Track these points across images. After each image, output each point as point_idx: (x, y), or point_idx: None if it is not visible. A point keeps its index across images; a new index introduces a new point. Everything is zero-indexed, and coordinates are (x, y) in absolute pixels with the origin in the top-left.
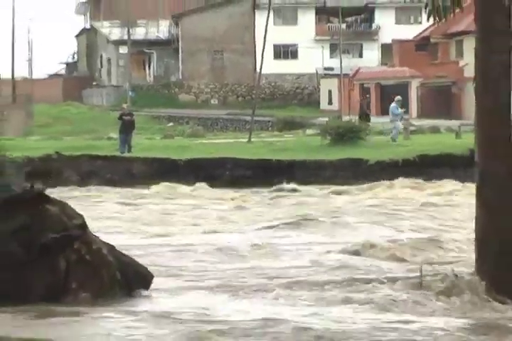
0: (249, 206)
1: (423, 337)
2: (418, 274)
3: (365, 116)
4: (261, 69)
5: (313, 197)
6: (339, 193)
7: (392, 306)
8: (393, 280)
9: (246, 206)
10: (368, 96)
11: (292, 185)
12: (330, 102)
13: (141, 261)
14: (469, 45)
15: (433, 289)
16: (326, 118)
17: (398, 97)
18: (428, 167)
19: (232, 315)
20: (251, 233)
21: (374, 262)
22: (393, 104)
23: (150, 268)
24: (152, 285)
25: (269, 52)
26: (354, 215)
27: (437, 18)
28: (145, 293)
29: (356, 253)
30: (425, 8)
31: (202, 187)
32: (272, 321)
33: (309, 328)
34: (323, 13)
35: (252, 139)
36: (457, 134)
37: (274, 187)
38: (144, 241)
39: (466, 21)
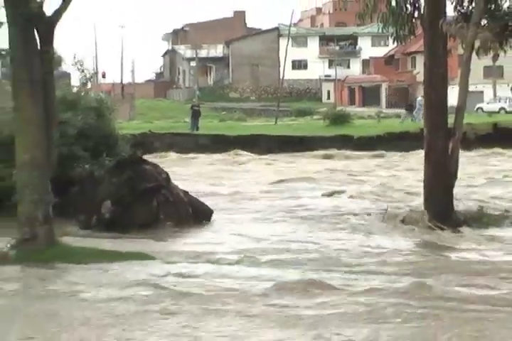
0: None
1: (386, 249)
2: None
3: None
4: (283, 76)
5: (317, 159)
6: (330, 157)
7: (364, 231)
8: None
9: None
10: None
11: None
12: (328, 98)
13: (204, 201)
14: (420, 60)
15: (394, 219)
16: (326, 108)
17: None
18: (393, 140)
19: (260, 234)
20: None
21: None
22: (419, 98)
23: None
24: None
25: (289, 65)
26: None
27: (399, 42)
28: (207, 222)
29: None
30: (391, 36)
31: (244, 153)
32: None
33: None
34: (324, 39)
35: (278, 122)
36: (401, 121)
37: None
38: (209, 189)
39: (418, 44)
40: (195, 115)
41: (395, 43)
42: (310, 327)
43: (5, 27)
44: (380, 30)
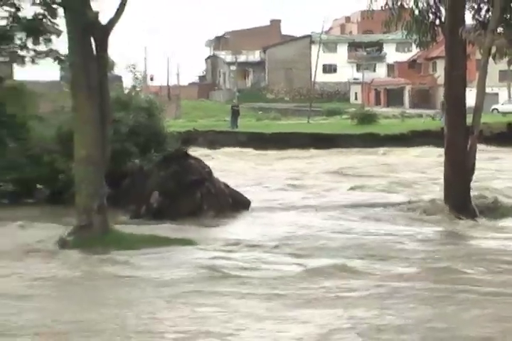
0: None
1: (408, 238)
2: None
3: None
4: (315, 79)
5: (346, 155)
6: (359, 153)
7: (389, 221)
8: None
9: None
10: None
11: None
12: (356, 99)
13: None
14: (441, 64)
15: (416, 210)
16: (354, 109)
17: None
18: (415, 138)
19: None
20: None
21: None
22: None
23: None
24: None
25: (320, 69)
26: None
27: (422, 48)
28: (245, 211)
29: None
30: (414, 42)
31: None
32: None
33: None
34: (352, 46)
35: (310, 121)
36: (433, 118)
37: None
38: (247, 181)
39: (439, 50)
40: (235, 114)
41: (418, 49)
42: (334, 306)
43: (64, 35)
44: (404, 37)
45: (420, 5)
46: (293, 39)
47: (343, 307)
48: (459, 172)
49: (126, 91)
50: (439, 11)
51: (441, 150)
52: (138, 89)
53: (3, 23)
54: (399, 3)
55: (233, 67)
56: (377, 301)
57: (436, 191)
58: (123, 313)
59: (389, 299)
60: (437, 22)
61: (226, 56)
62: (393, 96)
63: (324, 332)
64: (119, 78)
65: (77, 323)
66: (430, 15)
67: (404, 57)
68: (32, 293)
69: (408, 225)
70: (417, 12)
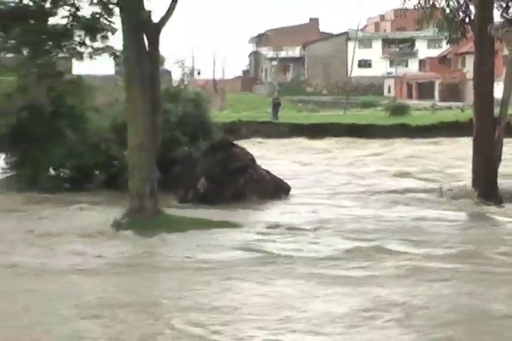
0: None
1: (442, 221)
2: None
3: None
4: (351, 73)
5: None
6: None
7: (423, 205)
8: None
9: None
10: None
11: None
12: (389, 92)
13: (283, 179)
14: (470, 60)
15: (447, 196)
16: (387, 101)
17: None
18: (445, 128)
19: (332, 207)
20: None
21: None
22: None
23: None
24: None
25: (355, 64)
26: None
27: (452, 44)
28: (286, 197)
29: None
30: (445, 39)
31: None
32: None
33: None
34: (386, 42)
35: (346, 113)
36: (462, 110)
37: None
38: (288, 168)
39: (468, 46)
40: (276, 106)
41: (448, 45)
42: (372, 284)
43: (119, 32)
44: (435, 34)
45: (451, 4)
46: (330, 36)
47: (380, 285)
48: (486, 161)
49: (175, 85)
50: (469, 9)
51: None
52: (186, 82)
53: (64, 21)
54: (431, 2)
55: (274, 63)
56: (412, 280)
57: (467, 178)
58: (179, 289)
59: (422, 278)
60: (467, 20)
61: (268, 52)
62: (424, 90)
63: (363, 308)
64: (168, 72)
65: (142, 297)
66: (460, 13)
67: (435, 52)
68: (95, 269)
69: (440, 209)
70: (447, 10)
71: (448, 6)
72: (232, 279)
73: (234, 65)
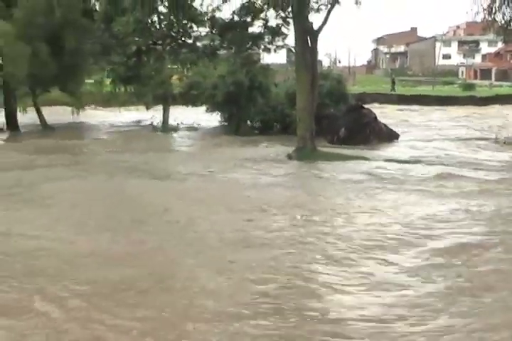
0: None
1: (498, 161)
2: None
3: None
4: (438, 62)
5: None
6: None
7: (483, 148)
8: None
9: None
10: None
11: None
12: (462, 75)
13: (395, 129)
14: None
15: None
16: (460, 81)
17: None
18: (500, 99)
19: (429, 148)
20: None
21: (475, 132)
22: None
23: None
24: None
25: (440, 56)
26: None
27: (505, 44)
28: (396, 141)
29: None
30: (500, 40)
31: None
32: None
33: None
34: (461, 43)
35: (433, 88)
36: (510, 86)
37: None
38: (398, 123)
39: None
40: (393, 83)
41: (502, 45)
42: (457, 197)
43: (292, 35)
44: (494, 38)
45: (506, 17)
46: (424, 38)
47: (463, 197)
48: None
49: (325, 69)
50: None
51: None
52: (331, 68)
53: (259, 29)
54: (492, 17)
55: (388, 56)
56: (492, 194)
57: None
58: (326, 196)
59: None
60: None
61: (384, 49)
62: (485, 74)
63: (449, 211)
64: (320, 62)
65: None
66: (511, 24)
67: (493, 50)
68: (271, 183)
69: (495, 152)
70: (503, 22)
71: (503, 19)
72: (367, 189)
73: (362, 57)
